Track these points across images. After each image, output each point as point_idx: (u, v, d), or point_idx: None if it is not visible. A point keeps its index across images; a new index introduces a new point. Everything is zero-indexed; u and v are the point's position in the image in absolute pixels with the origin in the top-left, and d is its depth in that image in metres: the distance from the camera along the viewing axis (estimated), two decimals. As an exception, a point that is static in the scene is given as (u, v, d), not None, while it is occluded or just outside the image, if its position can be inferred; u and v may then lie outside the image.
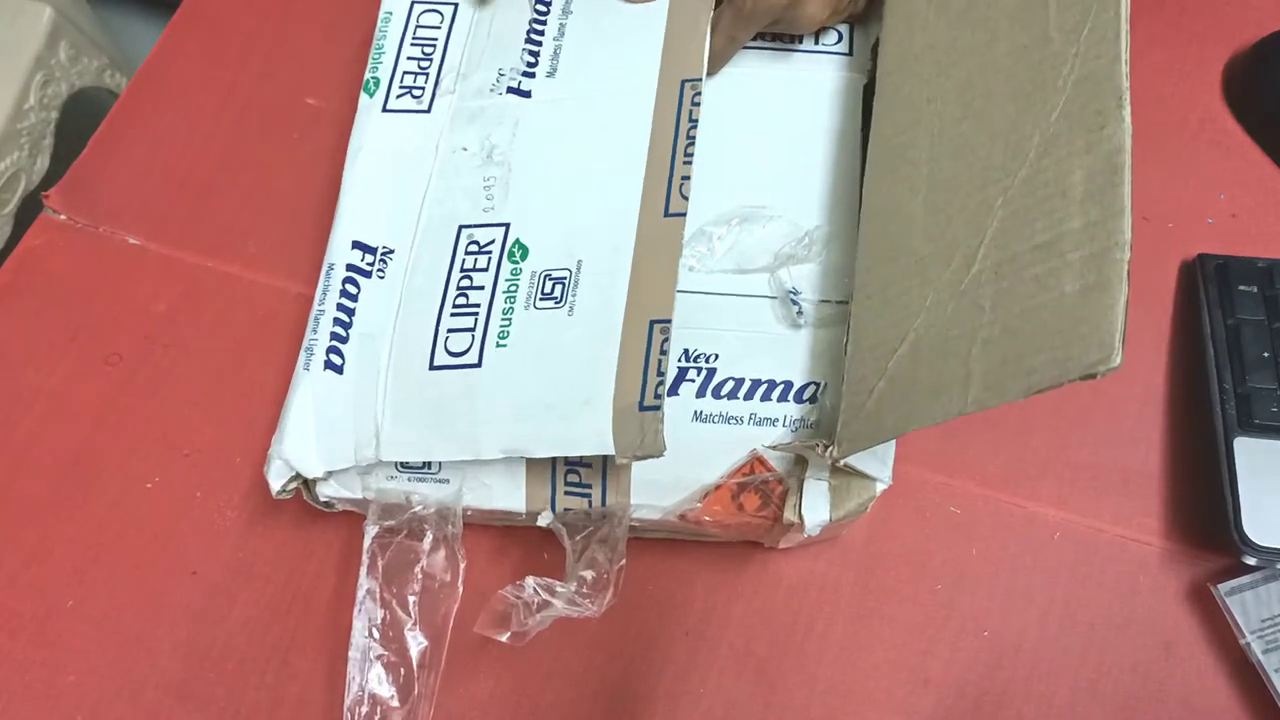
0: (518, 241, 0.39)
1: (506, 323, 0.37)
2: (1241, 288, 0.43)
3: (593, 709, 0.39)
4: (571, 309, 0.37)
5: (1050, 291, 0.29)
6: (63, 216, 0.49)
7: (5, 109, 0.70)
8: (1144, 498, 0.42)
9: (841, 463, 0.34)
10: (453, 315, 0.38)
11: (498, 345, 0.37)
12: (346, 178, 0.42)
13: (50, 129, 0.75)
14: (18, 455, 0.44)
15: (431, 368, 0.37)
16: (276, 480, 0.37)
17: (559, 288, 0.38)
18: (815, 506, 0.35)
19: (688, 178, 0.38)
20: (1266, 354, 0.42)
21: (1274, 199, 0.48)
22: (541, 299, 0.38)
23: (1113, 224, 0.28)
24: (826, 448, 0.34)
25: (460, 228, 0.40)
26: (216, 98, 0.51)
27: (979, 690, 0.40)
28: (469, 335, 0.38)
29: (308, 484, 0.38)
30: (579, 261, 0.38)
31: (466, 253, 0.39)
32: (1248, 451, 0.40)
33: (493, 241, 0.39)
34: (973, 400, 0.29)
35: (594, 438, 0.34)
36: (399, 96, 0.43)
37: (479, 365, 0.37)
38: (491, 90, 0.43)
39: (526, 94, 0.42)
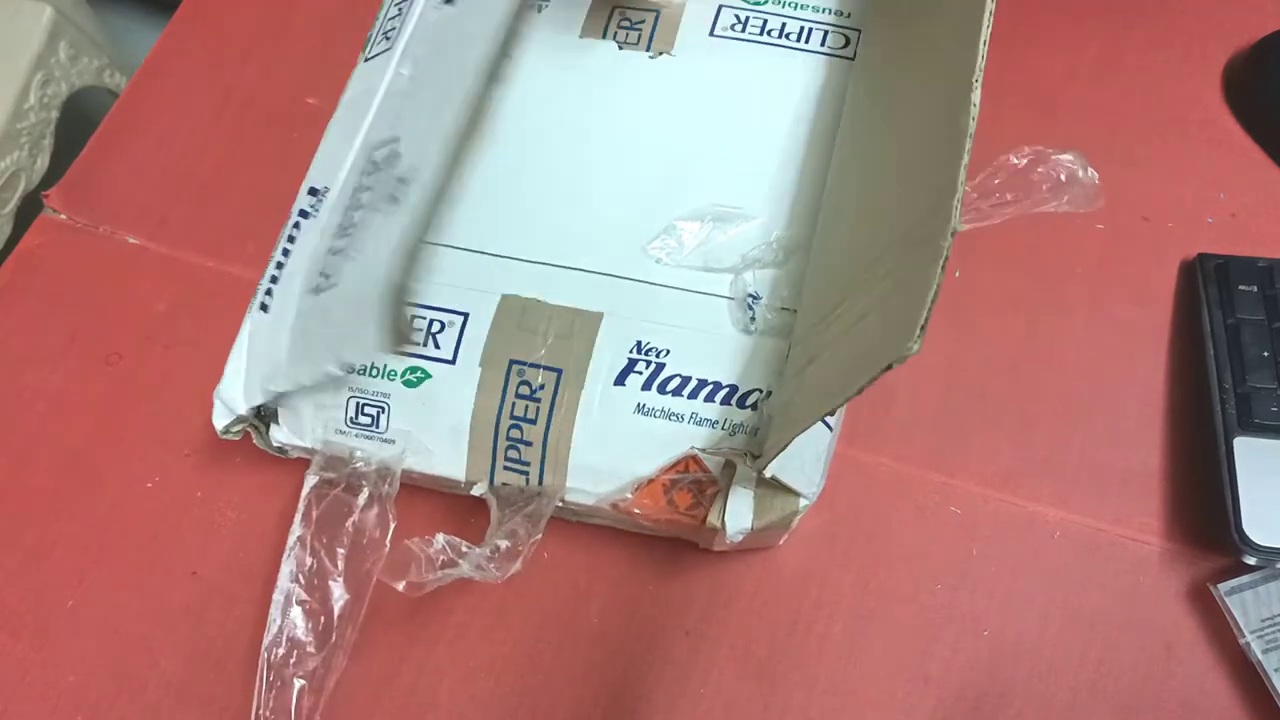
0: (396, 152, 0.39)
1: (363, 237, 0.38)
2: (1241, 287, 0.43)
3: (593, 709, 0.39)
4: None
5: (876, 299, 0.30)
6: (63, 216, 0.49)
7: (5, 109, 0.70)
8: (1144, 498, 0.42)
9: (768, 475, 0.34)
10: (336, 238, 0.38)
11: (350, 260, 0.38)
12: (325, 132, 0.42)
13: (50, 129, 0.75)
14: (18, 455, 0.44)
15: (311, 292, 0.38)
16: (219, 421, 0.38)
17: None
18: (738, 514, 0.36)
19: None
20: (1266, 354, 0.42)
21: (1274, 199, 0.48)
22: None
23: (940, 225, 0.28)
24: (755, 458, 0.34)
25: (368, 148, 0.40)
26: (216, 98, 0.51)
27: (979, 690, 0.40)
28: (340, 257, 0.38)
29: (259, 430, 0.39)
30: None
31: (363, 173, 0.39)
32: (1248, 451, 0.40)
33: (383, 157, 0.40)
34: (816, 412, 0.31)
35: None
36: (377, 43, 0.43)
37: (338, 285, 0.37)
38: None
39: None
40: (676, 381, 0.37)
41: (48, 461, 0.44)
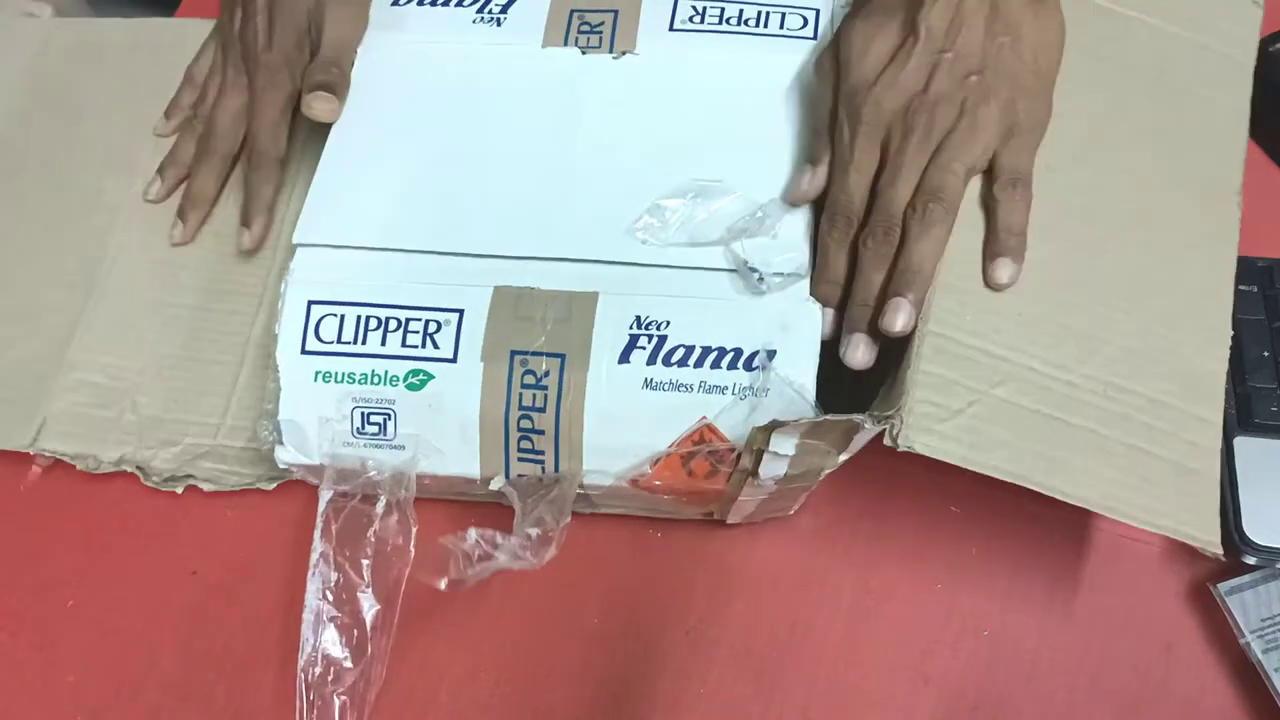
0: None
1: None
2: (1241, 288, 0.43)
3: (593, 709, 0.39)
4: None
5: (1157, 447, 0.35)
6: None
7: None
8: (1144, 498, 0.42)
9: (903, 446, 0.34)
10: None
11: None
12: None
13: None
14: (18, 455, 0.44)
15: None
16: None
17: None
18: (772, 467, 0.35)
19: None
20: (1266, 354, 0.42)
21: (1274, 199, 0.48)
22: None
23: (1211, 431, 0.35)
24: (888, 424, 0.34)
25: None
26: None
27: (979, 690, 0.40)
28: None
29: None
30: None
31: None
32: (1248, 451, 0.40)
33: None
34: (1084, 498, 0.34)
35: None
36: None
37: None
38: None
39: None
40: (681, 352, 0.37)
41: (47, 461, 0.44)
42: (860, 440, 0.35)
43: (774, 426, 0.34)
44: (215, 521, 0.43)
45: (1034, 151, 0.38)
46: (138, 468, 0.42)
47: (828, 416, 0.34)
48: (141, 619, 0.41)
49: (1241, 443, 0.40)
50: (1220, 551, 0.30)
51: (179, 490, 0.42)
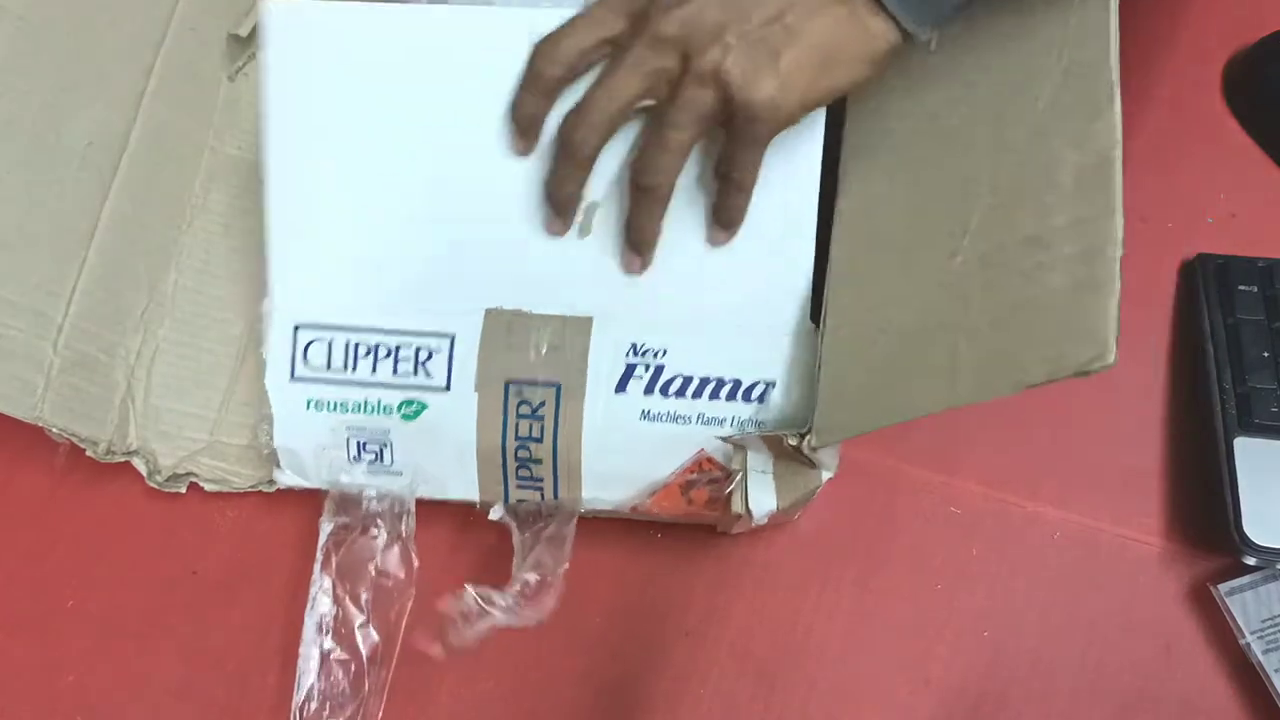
0: None
1: None
2: (1241, 288, 0.43)
3: (593, 710, 0.39)
4: None
5: (1038, 286, 0.28)
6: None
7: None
8: (1144, 498, 0.42)
9: (816, 449, 0.34)
10: None
11: None
12: None
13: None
14: (18, 454, 0.44)
15: None
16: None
17: None
18: (761, 498, 0.35)
19: None
20: (1266, 354, 0.42)
21: (1274, 199, 0.48)
22: None
23: (1104, 222, 0.27)
24: (802, 437, 0.33)
25: None
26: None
27: (979, 690, 0.40)
28: None
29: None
30: None
31: None
32: (1248, 451, 0.40)
33: None
34: (961, 394, 0.29)
35: None
36: None
37: None
38: None
39: None
40: (679, 383, 0.37)
41: (47, 460, 0.44)
42: (832, 453, 0.35)
43: (734, 441, 0.35)
44: (215, 521, 0.43)
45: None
46: (143, 461, 0.42)
47: (766, 433, 0.34)
48: (141, 619, 0.41)
49: (1241, 443, 0.40)
50: (1112, 361, 0.25)
51: (182, 490, 0.42)
